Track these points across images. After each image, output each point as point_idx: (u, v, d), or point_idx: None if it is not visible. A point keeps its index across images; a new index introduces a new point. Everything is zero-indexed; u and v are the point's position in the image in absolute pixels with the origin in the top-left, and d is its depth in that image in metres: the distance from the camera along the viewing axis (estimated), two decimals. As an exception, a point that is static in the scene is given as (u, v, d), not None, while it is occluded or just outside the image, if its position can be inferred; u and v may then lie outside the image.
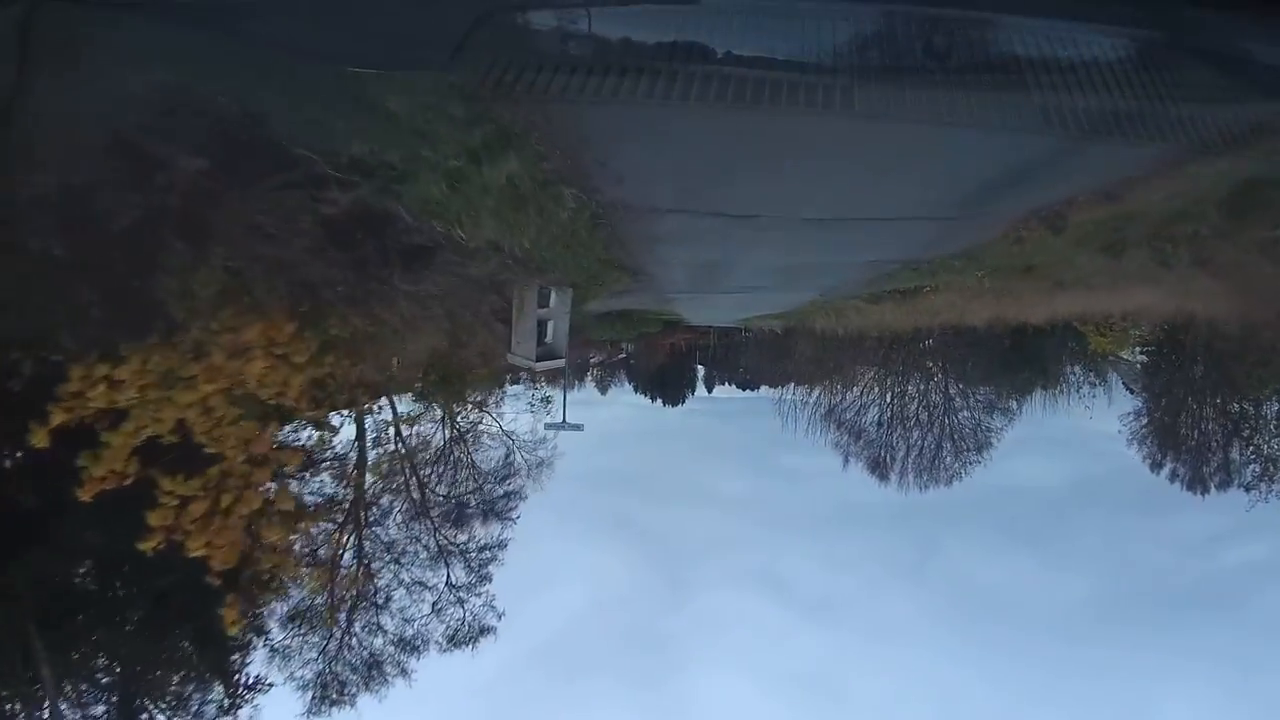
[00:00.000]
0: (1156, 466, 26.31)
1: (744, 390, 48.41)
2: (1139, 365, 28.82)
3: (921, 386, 27.15)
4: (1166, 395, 27.29)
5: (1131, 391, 28.47)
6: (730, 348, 47.14)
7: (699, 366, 50.58)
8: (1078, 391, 29.12)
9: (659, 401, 48.49)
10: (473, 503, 26.03)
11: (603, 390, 49.14)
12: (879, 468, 26.74)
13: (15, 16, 7.29)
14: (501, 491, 26.10)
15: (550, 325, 17.90)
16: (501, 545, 23.60)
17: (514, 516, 25.24)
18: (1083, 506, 26.08)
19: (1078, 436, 27.79)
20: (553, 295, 17.16)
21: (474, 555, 22.66)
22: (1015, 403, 28.06)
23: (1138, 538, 25.14)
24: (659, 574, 23.73)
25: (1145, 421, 27.27)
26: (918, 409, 27.19)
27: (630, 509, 26.03)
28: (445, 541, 23.03)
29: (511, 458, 26.99)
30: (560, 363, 19.93)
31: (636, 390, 50.25)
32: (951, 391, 26.94)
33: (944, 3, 7.08)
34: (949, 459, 26.53)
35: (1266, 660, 19.01)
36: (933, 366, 26.97)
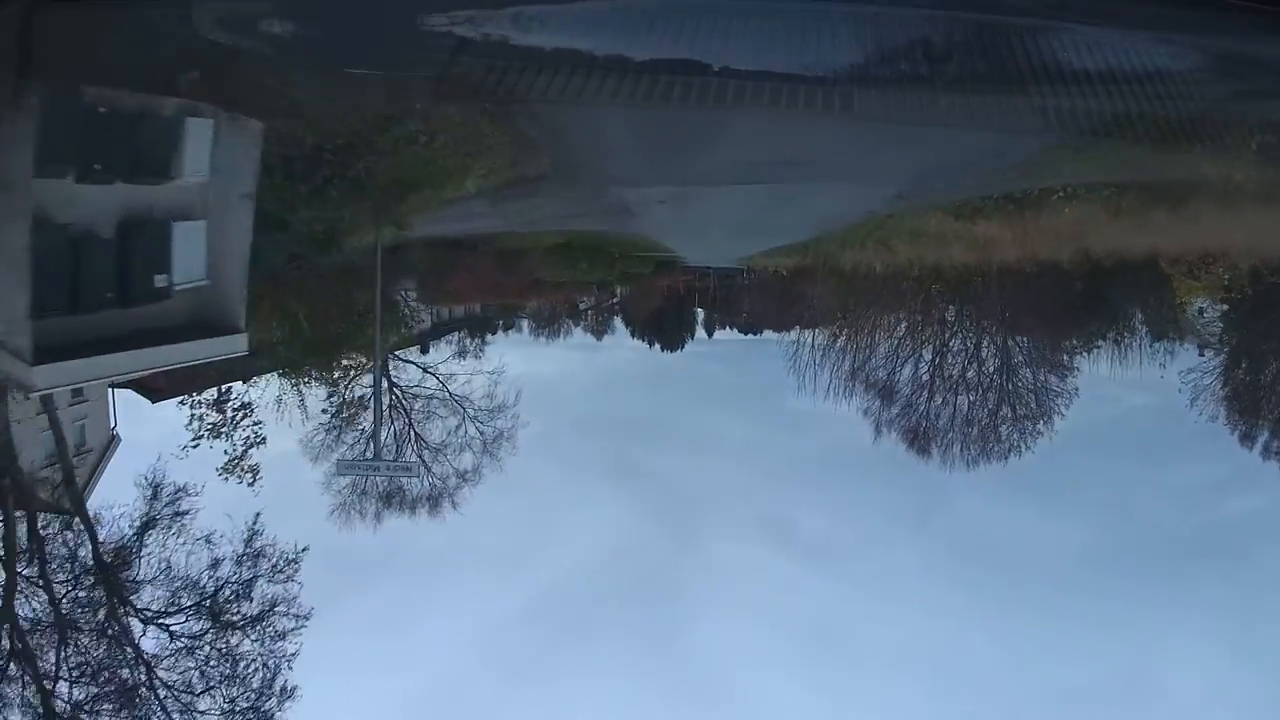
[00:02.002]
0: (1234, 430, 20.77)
1: (746, 334, 44.39)
2: (1217, 317, 23.26)
3: (972, 339, 21.02)
4: (1248, 353, 22.25)
5: (1203, 352, 22.95)
6: (731, 289, 42.99)
7: (698, 310, 47.02)
8: (1150, 347, 23.26)
9: (656, 346, 44.91)
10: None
11: (598, 336, 45.98)
12: (918, 440, 20.73)
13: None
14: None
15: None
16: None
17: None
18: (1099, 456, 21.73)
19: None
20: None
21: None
22: (1079, 358, 22.15)
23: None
24: (662, 522, 21.18)
25: (1220, 381, 21.69)
26: (965, 366, 21.07)
27: (632, 455, 23.07)
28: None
29: (462, 429, 21.83)
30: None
31: (633, 335, 46.63)
32: (1010, 345, 20.83)
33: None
34: (1006, 429, 20.50)
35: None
36: (988, 314, 20.84)
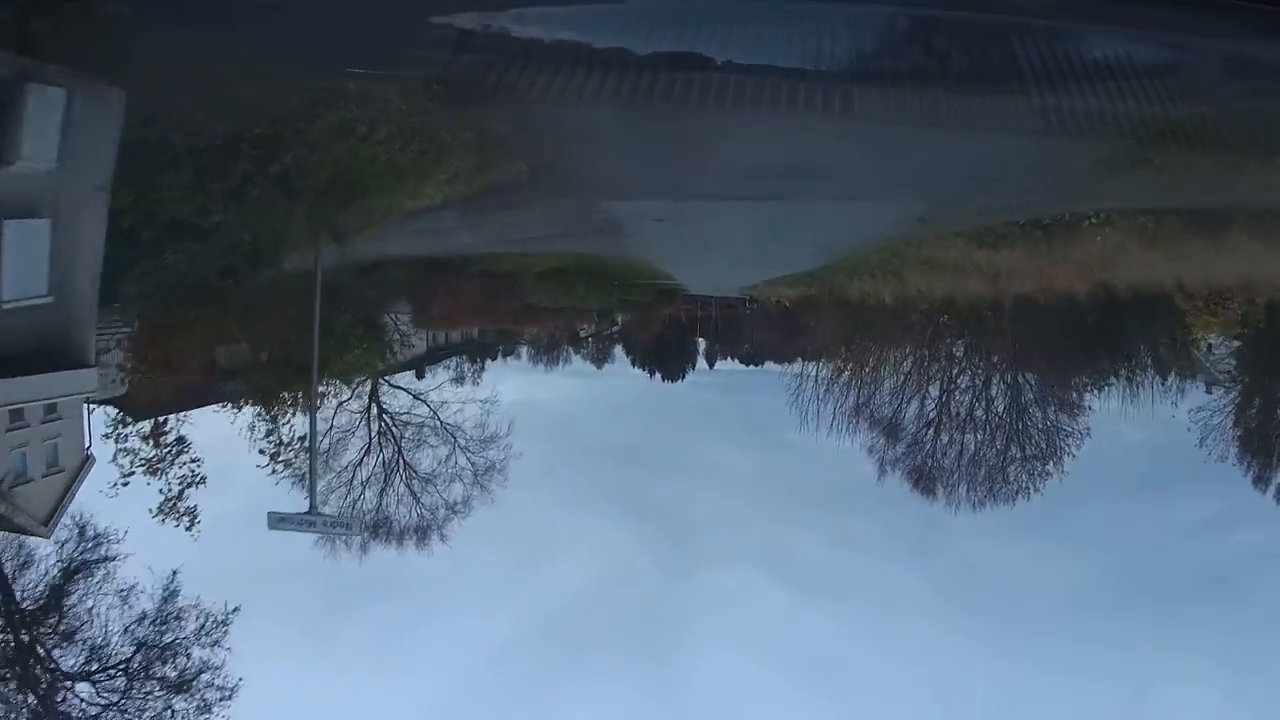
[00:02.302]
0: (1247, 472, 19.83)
1: (748, 365, 43.55)
2: (1228, 354, 22.47)
3: (981, 375, 20.21)
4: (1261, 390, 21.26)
5: (1210, 390, 22.14)
6: (734, 320, 42.40)
7: (700, 340, 46.27)
8: (1162, 385, 22.45)
9: (657, 376, 44.09)
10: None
11: (598, 364, 45.25)
12: (923, 480, 19.88)
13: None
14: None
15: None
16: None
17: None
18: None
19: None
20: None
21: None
22: (1089, 396, 21.31)
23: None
24: (661, 550, 21.29)
25: (1229, 418, 20.87)
26: (973, 403, 20.26)
27: (632, 484, 22.92)
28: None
29: (453, 459, 21.02)
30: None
31: (634, 364, 45.86)
32: (1020, 382, 20.01)
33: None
34: (1014, 470, 19.65)
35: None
36: (998, 349, 20.03)
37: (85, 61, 7.23)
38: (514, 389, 30.66)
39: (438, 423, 20.45)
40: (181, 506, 13.62)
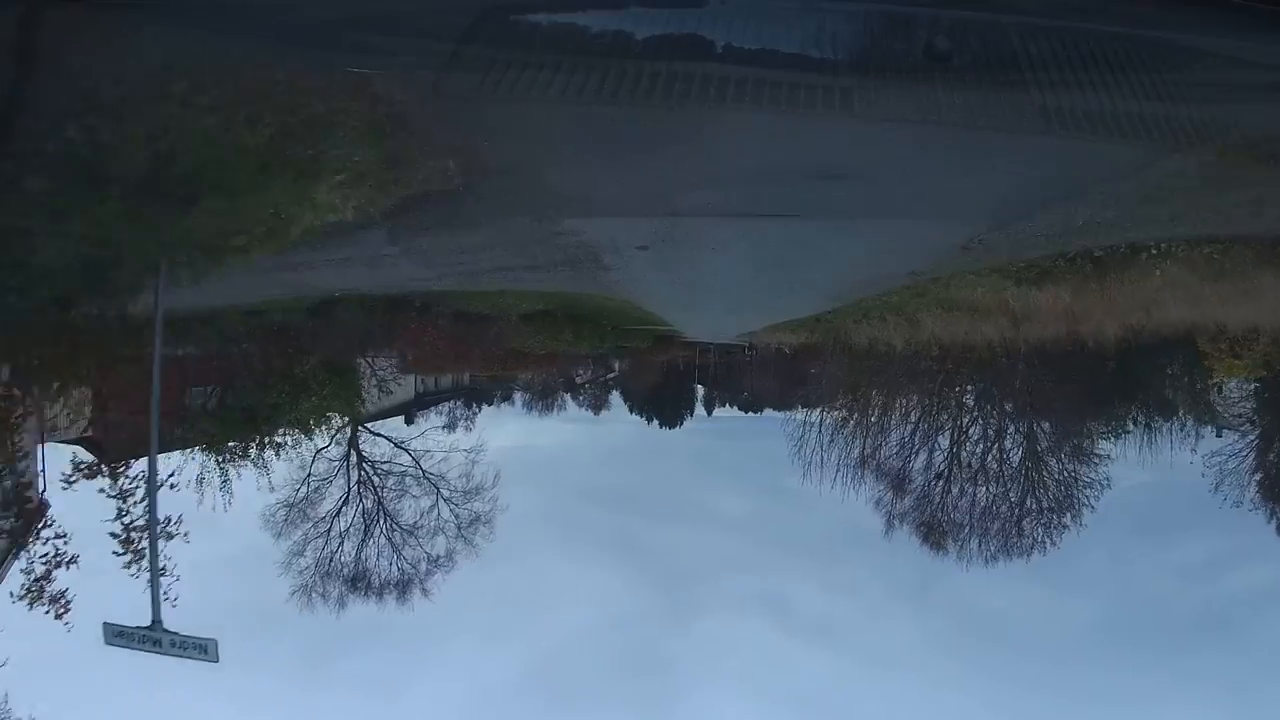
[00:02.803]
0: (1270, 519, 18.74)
1: (747, 412, 42.44)
2: (1244, 397, 21.34)
3: (994, 424, 18.96)
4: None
5: (1220, 434, 20.99)
6: (732, 367, 41.62)
7: (698, 386, 45.31)
8: (1181, 430, 21.26)
9: (655, 423, 43.03)
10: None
11: (595, 410, 44.18)
12: (933, 534, 18.58)
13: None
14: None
15: None
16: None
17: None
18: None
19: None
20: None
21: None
22: (1107, 444, 20.06)
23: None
24: (658, 595, 21.11)
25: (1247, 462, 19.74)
26: (985, 453, 18.98)
27: (629, 528, 23.33)
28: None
29: (435, 511, 19.69)
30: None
31: (632, 411, 44.81)
32: (1035, 431, 18.75)
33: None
34: (1030, 523, 18.35)
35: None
36: (1012, 397, 18.78)
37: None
38: (510, 435, 30.30)
39: (420, 472, 19.28)
40: (46, 592, 11.47)
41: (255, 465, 13.46)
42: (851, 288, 11.74)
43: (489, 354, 19.29)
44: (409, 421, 24.13)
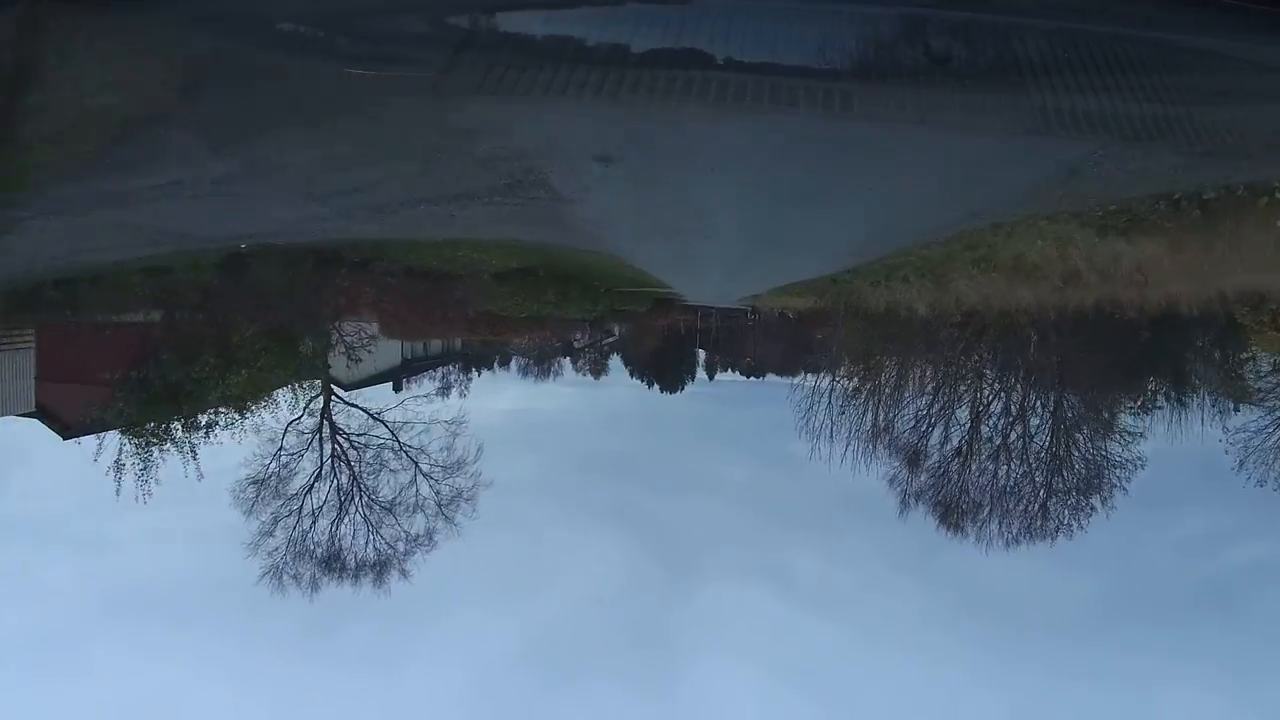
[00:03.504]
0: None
1: (748, 378, 41.18)
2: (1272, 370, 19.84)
3: (1019, 397, 17.31)
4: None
5: (1237, 408, 19.51)
6: (734, 331, 40.42)
7: (699, 350, 44.04)
8: (1212, 406, 19.70)
9: (656, 388, 41.82)
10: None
11: (595, 375, 42.89)
12: (951, 515, 17.03)
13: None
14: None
15: None
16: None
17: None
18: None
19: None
20: None
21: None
22: (1135, 420, 18.47)
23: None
24: (660, 564, 20.89)
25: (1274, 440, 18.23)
26: (1007, 428, 17.36)
27: (631, 496, 22.72)
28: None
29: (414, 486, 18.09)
30: None
31: (632, 375, 43.67)
32: (1063, 405, 17.11)
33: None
34: (1056, 506, 16.78)
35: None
36: (1040, 367, 17.10)
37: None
38: (511, 399, 29.96)
39: (397, 445, 17.67)
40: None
41: (179, 449, 11.78)
42: (893, 233, 9.87)
43: (455, 318, 17.38)
44: (397, 389, 22.75)
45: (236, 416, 12.56)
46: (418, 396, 19.92)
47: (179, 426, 11.51)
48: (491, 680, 17.32)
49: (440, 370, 25.86)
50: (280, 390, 14.38)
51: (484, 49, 6.32)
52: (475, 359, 28.62)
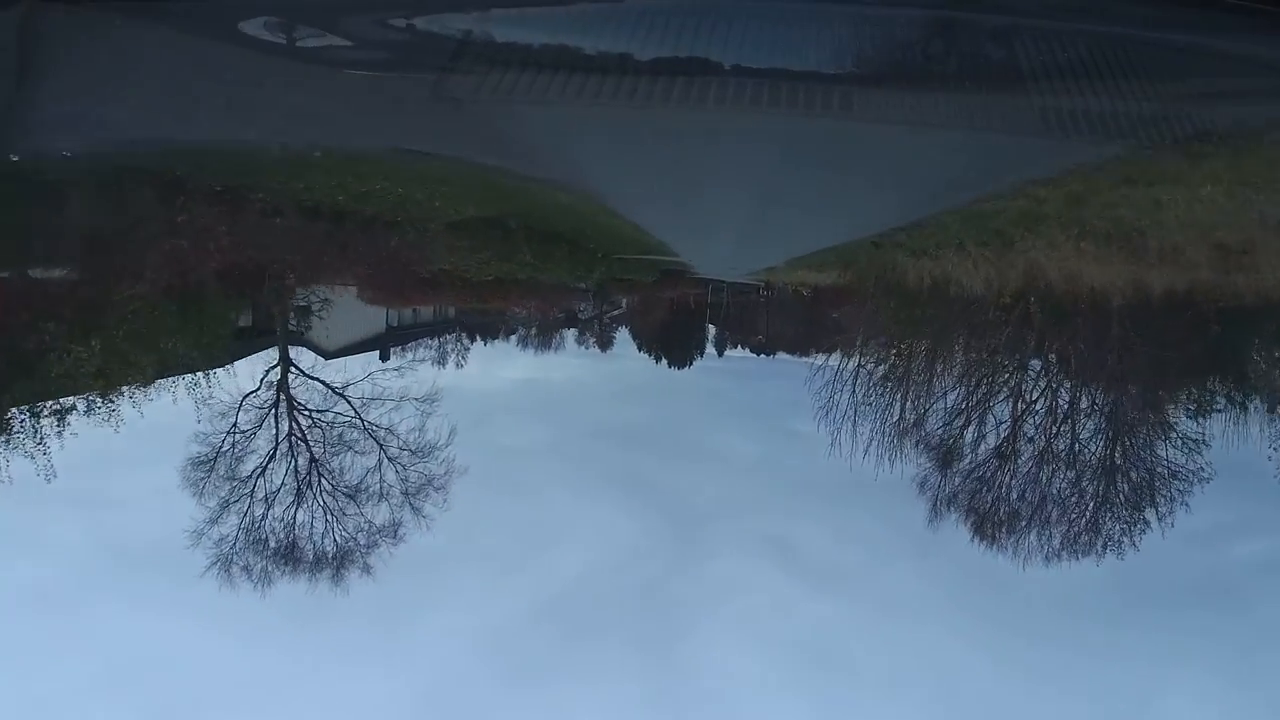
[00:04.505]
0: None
1: (759, 355, 39.57)
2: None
3: (1069, 394, 15.00)
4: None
5: (1274, 410, 17.36)
6: (746, 307, 38.87)
7: (709, 326, 42.61)
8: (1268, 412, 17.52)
9: (664, 362, 40.34)
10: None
11: (602, 347, 41.23)
12: (986, 525, 14.82)
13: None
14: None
15: None
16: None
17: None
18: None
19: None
20: None
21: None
22: (1194, 424, 16.24)
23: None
24: (666, 535, 18.25)
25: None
26: (1057, 429, 15.10)
27: (638, 467, 20.46)
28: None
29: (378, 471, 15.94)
30: None
31: (640, 349, 42.13)
32: (1122, 406, 14.82)
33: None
34: (1108, 519, 14.56)
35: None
36: (1098, 360, 14.80)
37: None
38: (522, 368, 28.85)
39: (362, 424, 15.53)
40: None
41: (16, 443, 9.46)
42: (942, 192, 7.75)
43: (385, 276, 14.54)
44: (384, 357, 20.91)
45: (99, 400, 10.24)
46: (403, 367, 17.93)
47: (17, 411, 9.23)
48: (493, 637, 16.36)
49: (436, 339, 24.03)
50: (179, 363, 12.10)
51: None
52: (476, 327, 26.86)
